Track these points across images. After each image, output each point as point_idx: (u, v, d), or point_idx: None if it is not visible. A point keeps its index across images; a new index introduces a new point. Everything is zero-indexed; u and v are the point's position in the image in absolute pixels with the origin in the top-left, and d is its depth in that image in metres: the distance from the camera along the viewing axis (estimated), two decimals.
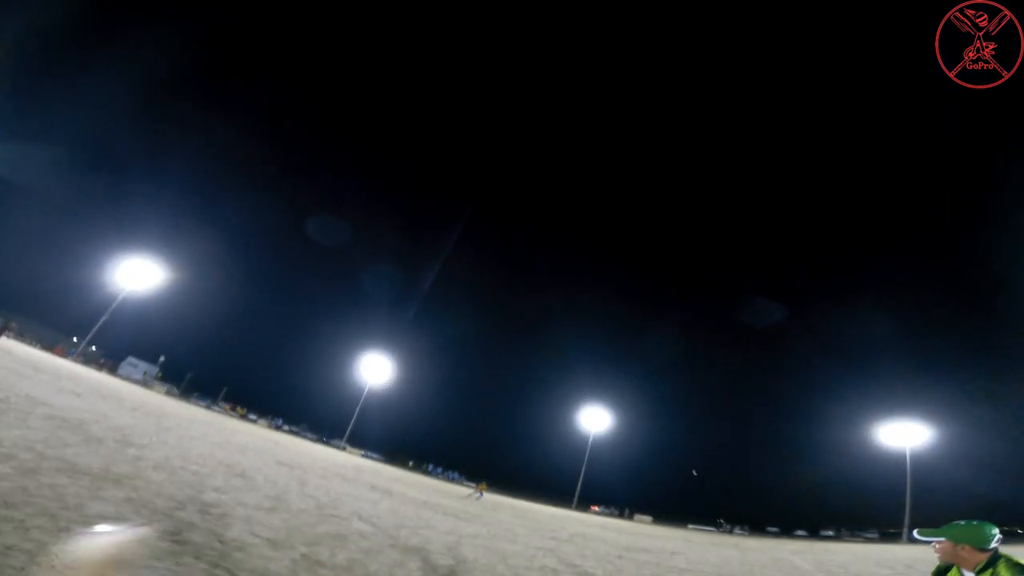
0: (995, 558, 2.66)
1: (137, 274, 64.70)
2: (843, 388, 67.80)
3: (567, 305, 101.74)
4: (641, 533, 26.60)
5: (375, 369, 73.77)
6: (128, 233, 69.16)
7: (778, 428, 77.04)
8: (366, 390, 72.81)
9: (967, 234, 57.62)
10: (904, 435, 53.28)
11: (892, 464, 53.21)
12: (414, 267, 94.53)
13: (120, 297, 64.99)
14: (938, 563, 2.91)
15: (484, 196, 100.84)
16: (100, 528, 1.39)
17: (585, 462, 70.01)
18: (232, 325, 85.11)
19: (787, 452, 73.71)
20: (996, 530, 2.72)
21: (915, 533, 3.06)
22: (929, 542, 2.87)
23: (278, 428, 64.99)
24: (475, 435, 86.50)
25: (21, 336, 59.75)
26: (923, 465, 51.83)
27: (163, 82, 74.91)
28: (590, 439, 72.25)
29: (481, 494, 30.76)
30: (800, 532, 57.90)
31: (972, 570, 2.68)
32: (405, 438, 76.97)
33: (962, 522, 2.82)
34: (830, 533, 57.66)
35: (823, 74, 66.79)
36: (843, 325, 73.50)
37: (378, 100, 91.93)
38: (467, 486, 59.53)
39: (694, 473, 70.46)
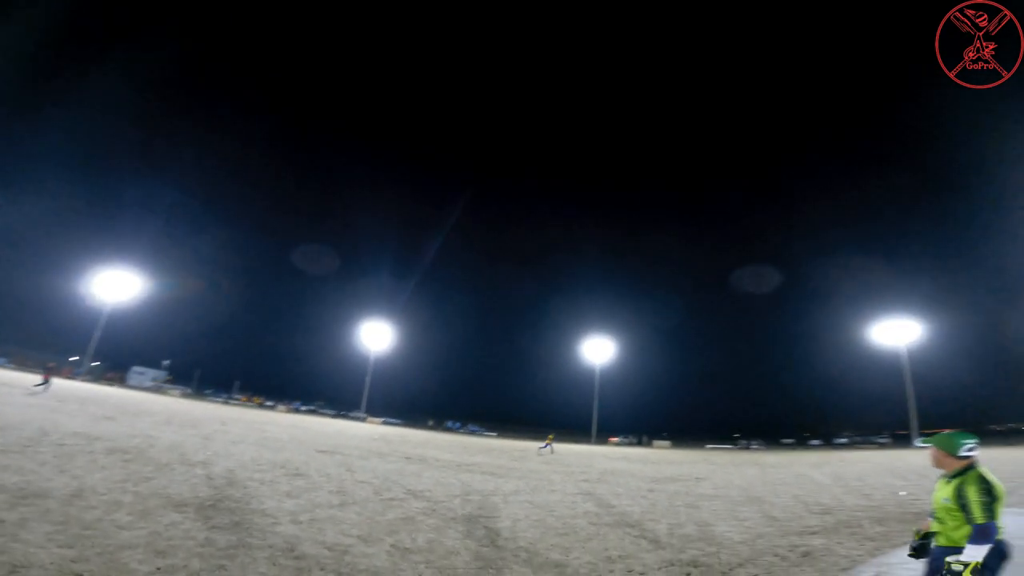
0: (968, 468, 3.07)
1: (117, 284, 64.13)
2: (838, 290, 69.78)
3: (560, 241, 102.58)
4: (663, 461, 28.38)
5: (377, 336, 74.95)
6: (100, 245, 68.08)
7: (782, 339, 79.76)
8: (372, 358, 74.27)
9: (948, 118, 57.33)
10: (897, 333, 54.59)
11: (893, 364, 54.82)
12: (403, 232, 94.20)
13: (107, 309, 64.68)
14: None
15: (473, 144, 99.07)
16: None
17: (596, 394, 72.77)
18: (229, 315, 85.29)
19: (793, 362, 76.65)
20: (970, 440, 3.12)
21: (918, 440, 3.67)
22: (925, 448, 3.38)
23: (297, 411, 66.72)
24: (486, 383, 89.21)
25: (24, 366, 59.79)
26: (923, 362, 53.33)
27: (138, 85, 72.46)
28: (597, 371, 74.64)
29: (551, 446, 32.92)
30: (815, 442, 60.37)
31: (950, 474, 3.13)
32: (419, 398, 79.31)
33: (946, 431, 3.25)
34: (843, 441, 60.17)
35: None
36: (832, 226, 74.97)
37: (364, 77, 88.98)
38: (487, 436, 62.15)
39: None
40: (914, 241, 69.25)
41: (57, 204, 72.51)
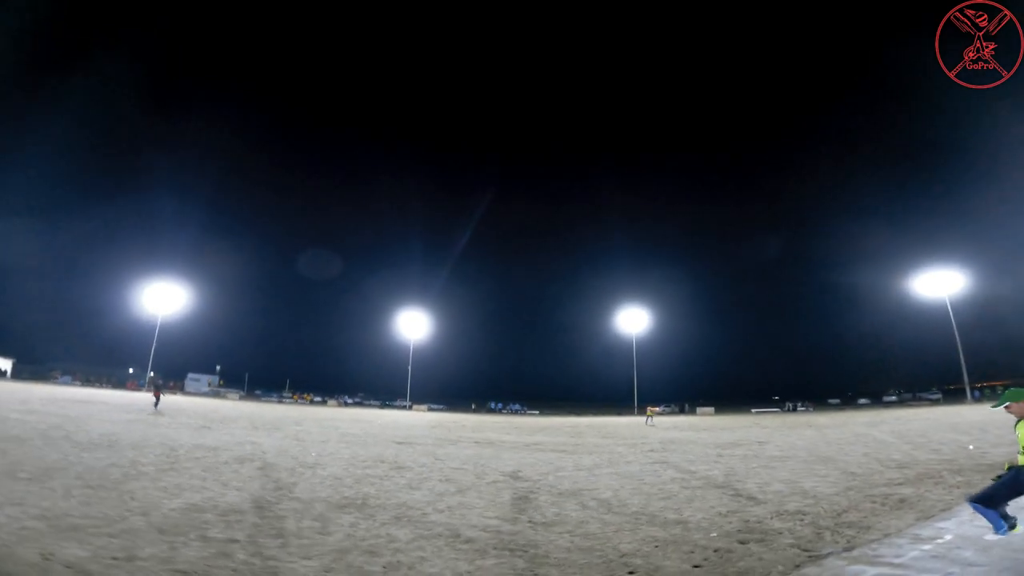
0: None
1: (164, 296, 66.85)
2: (875, 242, 67.71)
3: (587, 214, 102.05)
4: (715, 427, 28.89)
5: (414, 324, 76.67)
6: (140, 260, 70.84)
7: (820, 299, 78.04)
8: (412, 346, 76.14)
9: None
10: (940, 285, 52.53)
11: (937, 317, 52.62)
12: (432, 220, 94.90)
13: (158, 321, 67.59)
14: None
15: (496, 125, 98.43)
16: None
17: (635, 365, 73.25)
18: (269, 317, 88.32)
19: (833, 322, 75.11)
20: None
21: (992, 405, 4.63)
22: (1007, 406, 4.24)
23: (346, 404, 69.19)
24: (524, 362, 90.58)
25: (89, 381, 63.29)
26: (969, 312, 50.99)
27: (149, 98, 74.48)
28: (633, 341, 75.00)
29: (651, 418, 35.98)
30: (863, 401, 59.32)
31: (1020, 417, 4.10)
32: (459, 382, 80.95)
33: (1013, 388, 4.27)
34: (893, 399, 59.02)
35: None
36: (865, 177, 72.64)
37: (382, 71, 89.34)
38: (530, 414, 63.60)
39: None
40: (953, 186, 66.26)
41: (90, 225, 75.59)
